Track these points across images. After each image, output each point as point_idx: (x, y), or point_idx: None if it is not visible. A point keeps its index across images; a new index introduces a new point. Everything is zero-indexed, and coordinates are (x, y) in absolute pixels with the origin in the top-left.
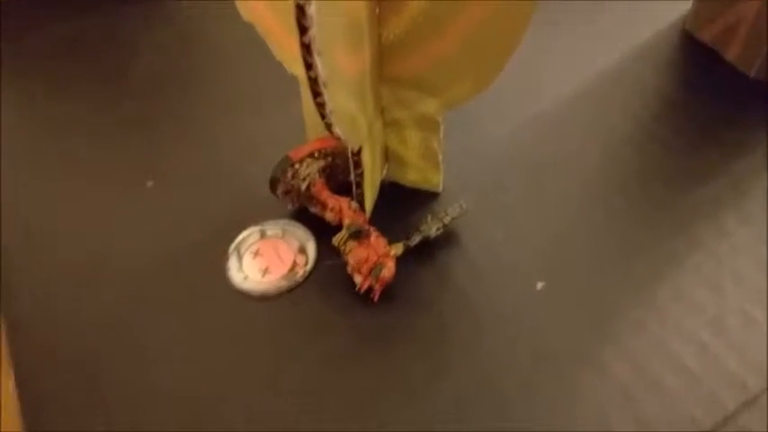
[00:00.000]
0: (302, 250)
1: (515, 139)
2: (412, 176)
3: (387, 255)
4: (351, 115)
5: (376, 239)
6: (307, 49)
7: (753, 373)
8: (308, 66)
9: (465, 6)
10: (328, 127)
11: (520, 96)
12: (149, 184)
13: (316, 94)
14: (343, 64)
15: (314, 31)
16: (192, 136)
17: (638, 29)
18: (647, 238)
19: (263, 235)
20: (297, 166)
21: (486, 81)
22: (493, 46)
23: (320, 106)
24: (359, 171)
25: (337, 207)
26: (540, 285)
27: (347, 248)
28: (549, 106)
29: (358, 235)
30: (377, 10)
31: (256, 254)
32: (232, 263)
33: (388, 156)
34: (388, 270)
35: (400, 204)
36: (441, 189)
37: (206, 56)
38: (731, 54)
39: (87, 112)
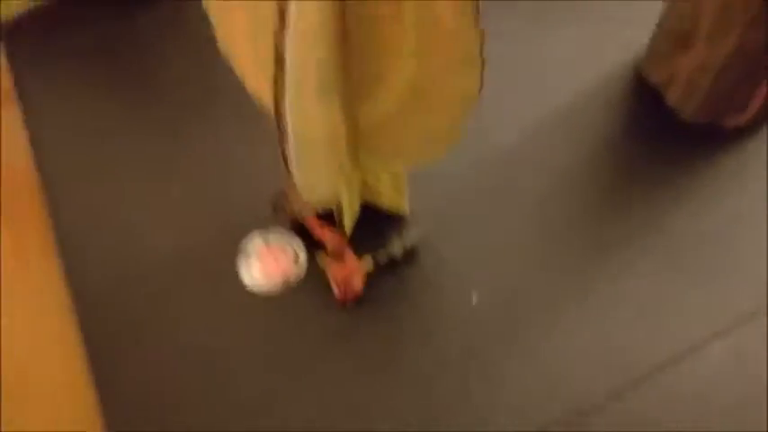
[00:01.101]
0: (296, 259)
1: (474, 168)
2: (384, 202)
3: (358, 272)
4: (318, 178)
5: (350, 259)
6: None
7: None
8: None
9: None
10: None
11: (481, 130)
12: (173, 186)
13: (282, 144)
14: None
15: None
16: (213, 142)
17: (596, 65)
18: (573, 276)
19: (266, 242)
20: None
21: (451, 146)
22: (457, 121)
23: (285, 159)
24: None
25: (322, 235)
26: (475, 299)
27: (327, 266)
28: (507, 140)
29: (336, 256)
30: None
31: (259, 258)
32: (240, 263)
33: (364, 184)
34: (358, 285)
35: (374, 222)
36: (407, 212)
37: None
38: (671, 97)
39: (119, 114)
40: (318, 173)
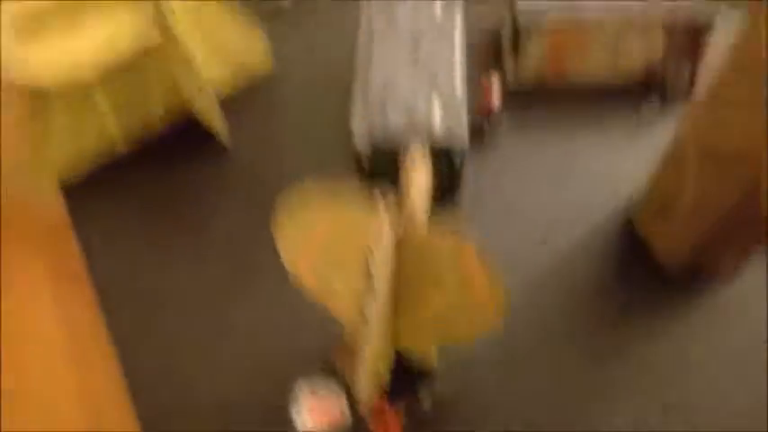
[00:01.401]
0: (343, 410)
1: None
2: (414, 358)
3: (395, 427)
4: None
5: (390, 417)
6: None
7: None
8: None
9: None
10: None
11: None
12: (226, 340)
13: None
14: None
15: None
16: (263, 297)
17: (589, 215)
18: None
19: (314, 392)
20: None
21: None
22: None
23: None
24: None
25: None
26: None
27: (371, 425)
28: (510, 290)
29: (377, 416)
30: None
31: (310, 409)
32: (292, 411)
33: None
34: None
35: (405, 372)
36: (435, 363)
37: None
38: (656, 251)
39: (175, 268)
40: (370, 381)
